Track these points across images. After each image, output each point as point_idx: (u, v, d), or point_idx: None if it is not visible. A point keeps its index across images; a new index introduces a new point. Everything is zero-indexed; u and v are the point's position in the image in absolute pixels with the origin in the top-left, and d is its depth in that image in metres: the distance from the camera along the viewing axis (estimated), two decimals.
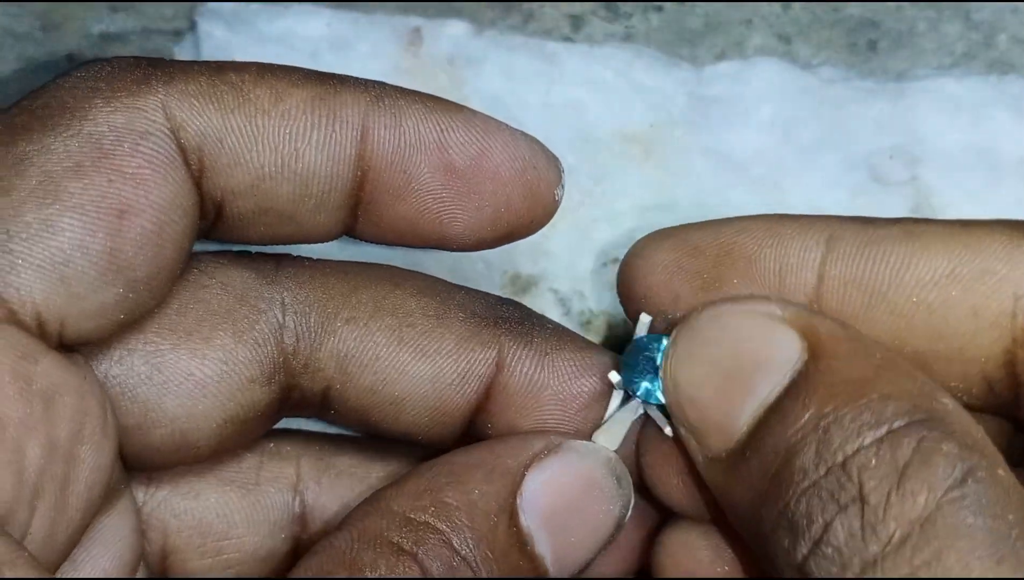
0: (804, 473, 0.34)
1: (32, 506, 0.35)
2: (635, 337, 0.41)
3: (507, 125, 0.41)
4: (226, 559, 0.44)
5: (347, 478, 0.45)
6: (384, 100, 0.39)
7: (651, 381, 0.40)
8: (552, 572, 0.40)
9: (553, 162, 0.41)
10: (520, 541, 0.39)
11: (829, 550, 0.33)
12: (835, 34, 0.54)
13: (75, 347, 0.37)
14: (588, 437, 0.42)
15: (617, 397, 0.42)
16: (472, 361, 0.42)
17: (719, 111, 0.53)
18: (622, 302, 0.42)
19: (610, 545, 0.41)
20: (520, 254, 0.52)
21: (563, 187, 0.41)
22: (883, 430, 0.34)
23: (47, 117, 0.36)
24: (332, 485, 0.45)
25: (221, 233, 0.40)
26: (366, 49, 0.52)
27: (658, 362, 0.40)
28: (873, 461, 0.33)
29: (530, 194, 0.40)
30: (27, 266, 0.35)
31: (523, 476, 0.40)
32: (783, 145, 0.52)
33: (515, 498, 0.39)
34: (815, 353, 0.36)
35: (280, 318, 0.41)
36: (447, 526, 0.38)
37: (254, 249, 0.43)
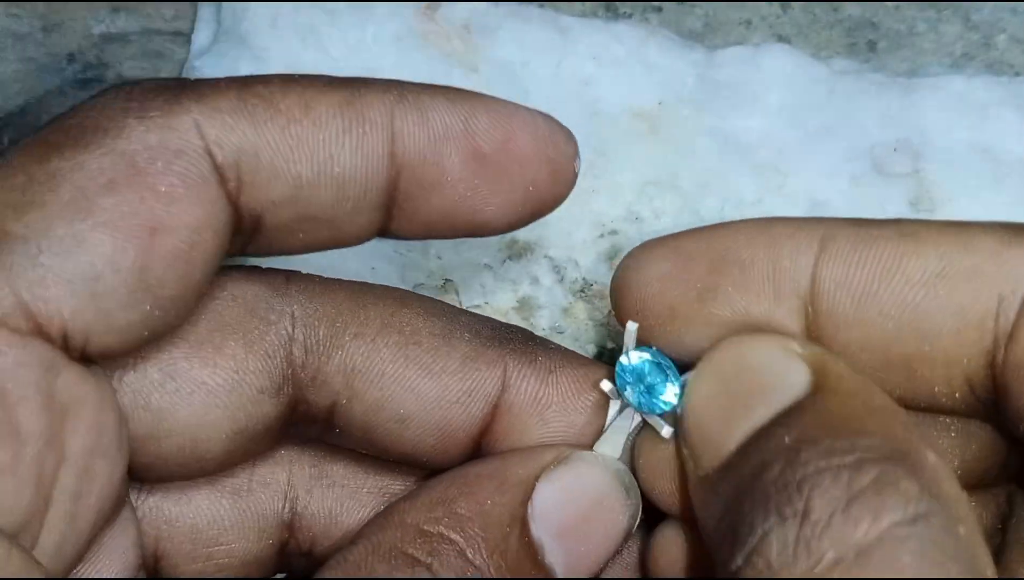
0: (763, 489, 0.33)
1: (43, 519, 0.34)
2: (625, 348, 0.41)
3: (523, 106, 0.41)
4: (216, 564, 0.43)
5: (339, 488, 0.45)
6: (408, 97, 0.40)
7: (642, 392, 0.40)
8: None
9: (569, 136, 0.42)
10: (530, 551, 0.39)
11: (760, 561, 0.32)
12: (834, 34, 0.55)
13: (96, 360, 0.37)
14: (590, 449, 0.42)
15: (614, 407, 0.42)
16: (477, 379, 0.42)
17: (728, 94, 0.53)
18: (616, 312, 0.42)
19: (618, 554, 0.41)
20: None
21: (580, 158, 0.42)
22: (850, 458, 0.33)
23: (80, 135, 0.36)
24: (323, 495, 0.45)
25: (259, 245, 0.40)
26: (384, 11, 0.53)
27: (646, 371, 0.40)
28: (827, 481, 0.32)
29: (552, 170, 0.41)
30: (57, 280, 0.34)
31: (533, 486, 0.40)
32: (788, 131, 0.53)
33: (525, 508, 0.39)
34: (818, 386, 0.36)
35: (290, 330, 0.41)
36: (460, 536, 0.38)
37: (265, 264, 0.43)
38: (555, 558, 0.39)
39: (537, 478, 0.40)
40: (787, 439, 0.34)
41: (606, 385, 0.41)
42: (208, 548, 0.43)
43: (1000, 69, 0.55)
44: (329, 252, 0.52)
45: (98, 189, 0.35)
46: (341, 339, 0.41)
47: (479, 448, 0.43)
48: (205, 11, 0.59)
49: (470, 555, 0.38)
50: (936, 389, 0.38)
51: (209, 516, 0.43)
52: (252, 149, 0.37)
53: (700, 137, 0.53)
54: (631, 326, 0.41)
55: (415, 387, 0.41)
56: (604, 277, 0.52)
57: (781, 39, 0.55)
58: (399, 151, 0.39)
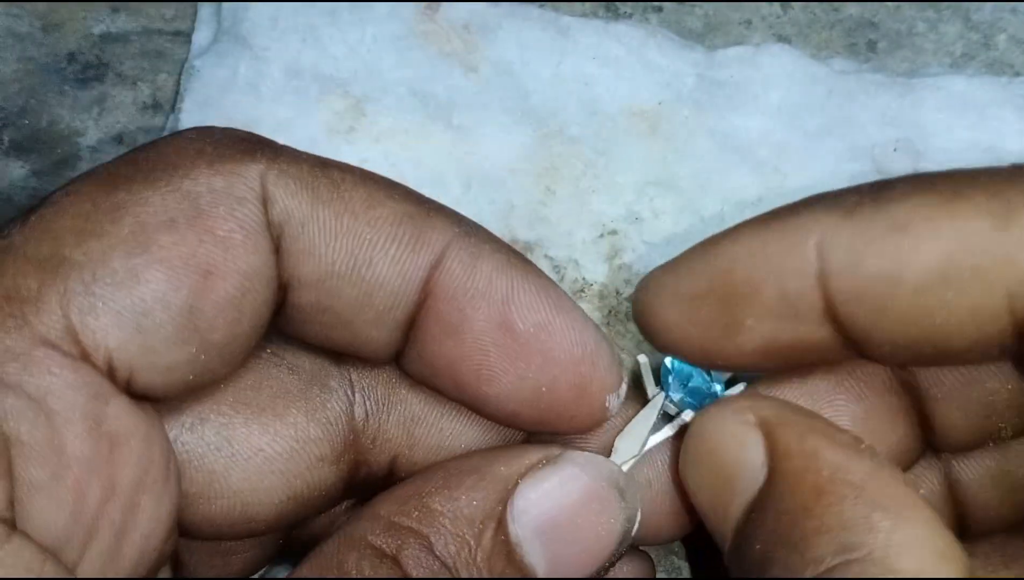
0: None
1: (84, 547, 0.34)
2: (645, 382, 0.41)
3: (582, 312, 0.40)
4: (229, 568, 0.44)
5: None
6: (470, 238, 0.39)
7: (687, 391, 0.41)
8: None
9: (616, 367, 0.40)
10: (507, 549, 0.38)
11: None
12: (834, 34, 0.55)
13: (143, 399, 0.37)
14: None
15: (651, 411, 0.42)
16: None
17: (728, 94, 0.53)
18: (645, 338, 0.41)
19: (618, 559, 0.40)
20: (518, 219, 0.52)
21: (620, 399, 0.40)
22: (822, 568, 0.33)
23: (150, 170, 0.36)
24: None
25: (280, 324, 0.40)
26: (384, 10, 0.53)
27: (692, 372, 0.41)
28: None
29: (578, 386, 0.39)
30: (106, 311, 0.34)
31: (515, 484, 0.39)
32: (788, 130, 0.53)
33: (504, 506, 0.38)
34: (772, 472, 0.36)
35: (350, 395, 0.41)
36: (430, 531, 0.38)
37: None
38: (536, 559, 0.38)
39: (521, 476, 0.39)
40: (758, 547, 0.35)
41: (643, 358, 0.41)
42: (225, 556, 0.43)
43: (1000, 69, 0.55)
44: None
45: (158, 225, 0.35)
46: (399, 393, 0.42)
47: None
48: (205, 11, 0.59)
49: (438, 550, 0.37)
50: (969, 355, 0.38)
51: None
52: (300, 220, 0.37)
53: (700, 137, 0.53)
54: (642, 359, 0.40)
55: (465, 430, 0.42)
56: (603, 277, 0.52)
57: (781, 39, 0.55)
58: (434, 281, 0.39)
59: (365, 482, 0.42)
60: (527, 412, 0.40)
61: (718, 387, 0.41)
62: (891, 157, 0.53)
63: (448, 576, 0.37)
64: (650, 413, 0.41)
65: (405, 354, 0.40)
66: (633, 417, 0.42)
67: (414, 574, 0.37)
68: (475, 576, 0.38)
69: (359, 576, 0.36)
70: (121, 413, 0.35)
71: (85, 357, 0.34)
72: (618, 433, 0.42)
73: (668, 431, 0.41)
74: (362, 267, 0.38)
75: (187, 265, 0.35)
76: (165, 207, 0.36)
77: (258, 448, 0.39)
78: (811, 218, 0.37)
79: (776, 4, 0.55)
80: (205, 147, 0.37)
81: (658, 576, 0.46)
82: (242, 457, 0.39)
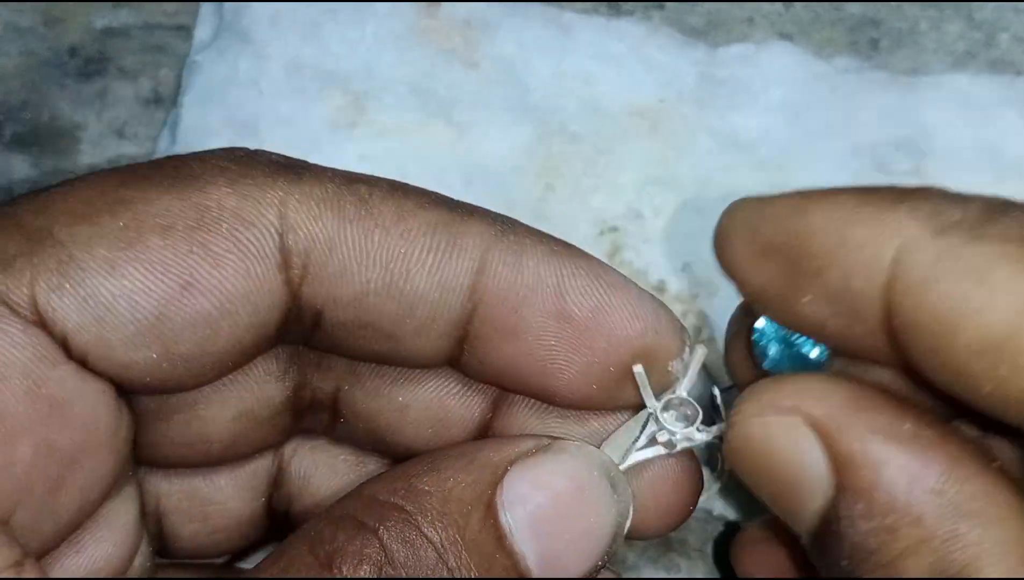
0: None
1: (13, 499, 0.34)
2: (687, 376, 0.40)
3: (633, 283, 0.39)
4: (212, 525, 0.43)
5: (319, 452, 0.44)
6: (509, 236, 0.38)
7: (784, 353, 0.40)
8: (536, 572, 0.38)
9: (678, 332, 0.40)
10: (497, 535, 0.37)
11: None
12: (836, 33, 0.55)
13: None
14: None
15: (636, 423, 0.40)
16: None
17: (729, 91, 0.53)
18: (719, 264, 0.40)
19: (613, 554, 0.40)
20: (519, 216, 0.52)
21: (684, 363, 0.40)
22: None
23: (168, 176, 0.36)
24: (303, 457, 0.44)
25: (319, 341, 0.39)
26: (384, 7, 0.53)
27: (787, 333, 0.39)
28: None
29: (644, 360, 0.39)
30: (72, 294, 0.34)
31: (505, 471, 0.38)
32: (790, 129, 0.53)
33: (494, 491, 0.38)
34: (841, 484, 0.35)
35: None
36: (415, 508, 0.37)
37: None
38: (527, 547, 0.37)
39: (511, 463, 0.38)
40: (844, 563, 0.35)
41: (639, 369, 0.40)
42: (204, 507, 0.43)
43: (1002, 68, 0.55)
44: None
45: (154, 227, 0.35)
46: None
47: (481, 437, 0.42)
48: (206, 7, 0.59)
49: (424, 527, 0.36)
50: None
51: (205, 473, 0.43)
52: (328, 243, 0.37)
53: (701, 135, 0.53)
54: (638, 370, 0.39)
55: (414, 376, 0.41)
56: None
57: (783, 37, 0.55)
58: (482, 287, 0.38)
59: (311, 408, 0.42)
60: (598, 395, 0.40)
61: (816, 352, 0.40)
62: (892, 155, 0.53)
63: (433, 553, 0.37)
64: (635, 427, 0.41)
65: (463, 361, 0.40)
66: (625, 423, 0.41)
67: (395, 548, 0.36)
68: (463, 558, 0.37)
69: (333, 545, 0.36)
70: (67, 378, 0.35)
71: (41, 325, 0.34)
72: (608, 435, 0.41)
73: (650, 454, 0.41)
74: (399, 282, 0.37)
75: (168, 272, 0.35)
76: (168, 212, 0.35)
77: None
78: (905, 220, 0.35)
79: (778, 2, 0.55)
80: (230, 165, 0.37)
81: (656, 575, 0.46)
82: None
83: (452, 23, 0.53)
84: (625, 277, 0.39)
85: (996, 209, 0.34)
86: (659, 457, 0.40)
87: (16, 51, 0.58)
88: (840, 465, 0.35)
